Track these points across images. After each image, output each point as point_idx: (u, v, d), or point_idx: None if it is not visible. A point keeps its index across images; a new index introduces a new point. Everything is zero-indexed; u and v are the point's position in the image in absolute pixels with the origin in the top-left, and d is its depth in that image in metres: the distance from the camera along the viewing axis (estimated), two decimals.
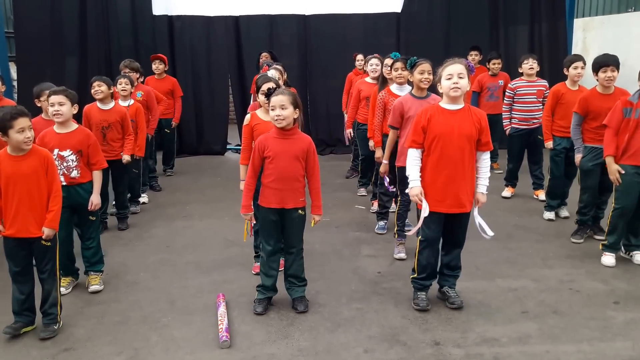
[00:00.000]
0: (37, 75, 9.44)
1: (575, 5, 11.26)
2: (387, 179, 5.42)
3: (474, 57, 9.18)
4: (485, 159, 4.16)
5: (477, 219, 4.16)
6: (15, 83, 9.83)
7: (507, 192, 7.41)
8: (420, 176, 4.13)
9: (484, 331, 3.91)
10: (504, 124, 7.29)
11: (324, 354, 3.64)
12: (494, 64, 8.50)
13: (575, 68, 6.08)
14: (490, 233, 4.16)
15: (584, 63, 6.11)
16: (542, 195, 7.08)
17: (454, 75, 3.95)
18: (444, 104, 4.08)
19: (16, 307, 3.92)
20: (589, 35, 11.11)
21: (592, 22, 11.06)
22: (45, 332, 3.87)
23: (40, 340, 3.82)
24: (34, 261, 3.99)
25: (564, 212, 6.46)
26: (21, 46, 9.73)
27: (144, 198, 7.15)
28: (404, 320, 4.08)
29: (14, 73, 9.87)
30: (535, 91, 6.99)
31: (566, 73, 6.25)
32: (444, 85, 4.00)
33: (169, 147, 8.67)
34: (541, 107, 6.96)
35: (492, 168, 8.65)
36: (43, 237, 3.82)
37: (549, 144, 6.30)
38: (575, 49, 10.99)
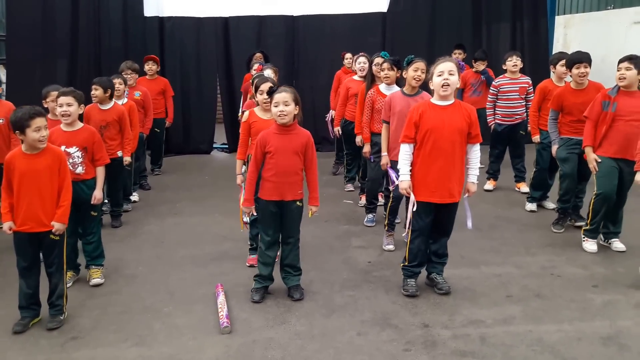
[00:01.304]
0: (26, 78, 9.57)
1: (557, 3, 11.55)
2: (393, 173, 5.26)
3: (457, 55, 9.36)
4: (475, 151, 4.39)
5: (467, 208, 4.38)
6: (4, 86, 9.89)
7: (489, 185, 7.65)
8: (413, 169, 4.34)
9: (470, 314, 4.14)
10: (488, 120, 7.53)
11: (320, 337, 3.84)
12: (480, 64, 8.66)
13: (563, 66, 6.27)
14: (470, 226, 4.43)
15: None
16: (523, 187, 7.34)
17: (445, 72, 4.17)
18: (435, 100, 4.30)
19: (23, 302, 4.05)
20: (570, 32, 11.43)
21: (573, 19, 11.37)
22: (52, 322, 4.02)
23: (48, 330, 3.97)
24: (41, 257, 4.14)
25: (549, 204, 6.68)
26: (12, 49, 9.80)
27: (134, 196, 7.26)
28: (394, 305, 4.29)
29: (2, 76, 9.93)
30: (517, 88, 7.24)
31: (553, 70, 6.49)
32: (435, 81, 4.22)
33: (158, 146, 8.78)
34: (524, 103, 7.22)
35: None
36: (53, 230, 3.97)
37: (536, 138, 6.54)
38: (557, 46, 11.28)
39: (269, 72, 5.40)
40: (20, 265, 4.04)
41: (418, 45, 10.23)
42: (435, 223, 4.43)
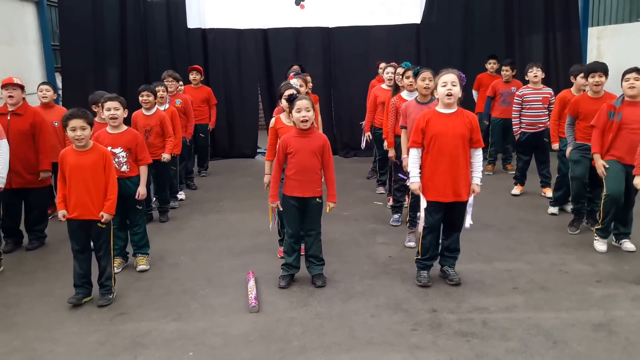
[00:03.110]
0: (80, 85, 10.33)
1: (590, 14, 11.69)
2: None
3: (492, 65, 9.67)
4: (478, 155, 4.78)
5: (469, 207, 4.77)
6: (60, 92, 10.66)
7: (516, 190, 7.94)
8: (422, 171, 4.77)
9: (476, 302, 4.53)
10: (513, 129, 7.83)
11: (337, 317, 4.31)
12: (505, 70, 9.01)
13: (583, 77, 6.56)
14: (468, 225, 4.79)
15: None
16: (549, 192, 7.60)
17: (448, 83, 4.59)
18: (440, 108, 4.73)
19: (77, 281, 4.65)
20: (603, 44, 11.54)
21: (606, 31, 11.49)
22: (102, 300, 4.61)
23: (98, 307, 4.56)
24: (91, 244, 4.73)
25: (569, 208, 6.95)
26: (66, 58, 10.56)
27: (181, 195, 7.90)
28: (407, 293, 4.72)
29: (59, 82, 10.70)
30: (540, 98, 7.54)
31: (573, 81, 6.79)
32: (440, 91, 4.64)
33: (203, 150, 9.43)
34: (547, 112, 7.51)
35: (506, 169, 9.28)
36: (102, 220, 4.55)
37: (555, 146, 6.86)
38: (590, 57, 11.37)
39: (294, 82, 5.87)
40: (73, 248, 4.63)
41: (451, 56, 10.60)
42: (446, 221, 4.84)
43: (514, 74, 9.09)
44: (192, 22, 10.79)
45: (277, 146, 4.87)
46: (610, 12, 11.43)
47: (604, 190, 5.60)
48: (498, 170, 9.27)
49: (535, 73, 7.54)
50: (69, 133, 4.48)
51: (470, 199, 4.78)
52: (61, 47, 10.62)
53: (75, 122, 4.45)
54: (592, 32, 11.67)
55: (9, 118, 5.76)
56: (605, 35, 11.51)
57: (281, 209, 4.97)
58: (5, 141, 5.34)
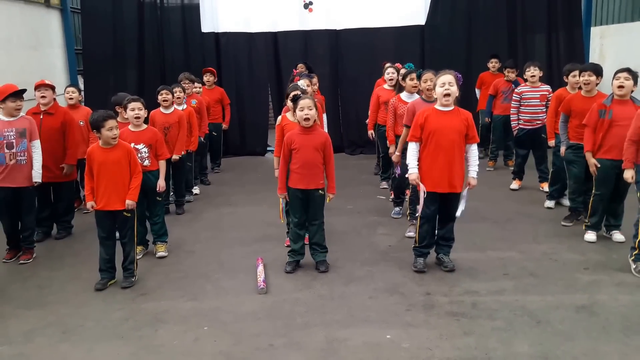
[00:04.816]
0: (101, 86, 10.84)
1: (593, 14, 11.91)
2: (398, 168, 6.41)
3: (494, 64, 9.99)
4: (473, 150, 5.15)
5: (462, 201, 5.14)
6: (82, 93, 11.13)
7: (514, 184, 8.28)
8: (420, 164, 5.14)
9: (468, 286, 4.90)
10: (512, 125, 8.17)
11: (338, 299, 4.71)
12: (509, 72, 9.32)
13: (574, 76, 6.90)
14: (459, 213, 5.15)
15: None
16: (547, 187, 7.90)
17: (446, 84, 4.96)
18: (438, 106, 5.10)
19: (102, 265, 5.09)
20: (606, 43, 11.75)
21: (609, 30, 11.70)
22: (125, 282, 5.05)
23: (122, 288, 5.01)
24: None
25: (566, 202, 7.26)
26: (88, 61, 11.09)
27: (196, 190, 8.34)
28: (404, 278, 5.11)
29: (81, 84, 11.18)
30: (538, 96, 7.86)
31: (566, 80, 7.12)
32: (438, 91, 5.02)
33: (216, 148, 9.88)
34: (544, 109, 7.83)
35: (507, 165, 9.61)
36: (126, 206, 4.99)
37: (552, 143, 7.19)
38: (593, 56, 11.61)
39: (302, 83, 6.25)
40: (100, 235, 5.08)
41: (455, 56, 10.92)
42: (441, 211, 5.22)
43: (517, 73, 9.39)
44: (206, 26, 11.26)
45: (283, 142, 5.27)
46: (613, 12, 11.63)
47: (594, 189, 5.93)
48: (499, 166, 9.61)
49: (532, 72, 7.86)
50: (107, 133, 4.89)
51: (464, 192, 5.14)
52: (83, 51, 11.15)
53: (112, 122, 4.93)
54: (595, 31, 11.86)
55: (41, 117, 6.22)
56: (607, 34, 11.71)
57: (288, 200, 5.36)
58: (38, 141, 5.79)
